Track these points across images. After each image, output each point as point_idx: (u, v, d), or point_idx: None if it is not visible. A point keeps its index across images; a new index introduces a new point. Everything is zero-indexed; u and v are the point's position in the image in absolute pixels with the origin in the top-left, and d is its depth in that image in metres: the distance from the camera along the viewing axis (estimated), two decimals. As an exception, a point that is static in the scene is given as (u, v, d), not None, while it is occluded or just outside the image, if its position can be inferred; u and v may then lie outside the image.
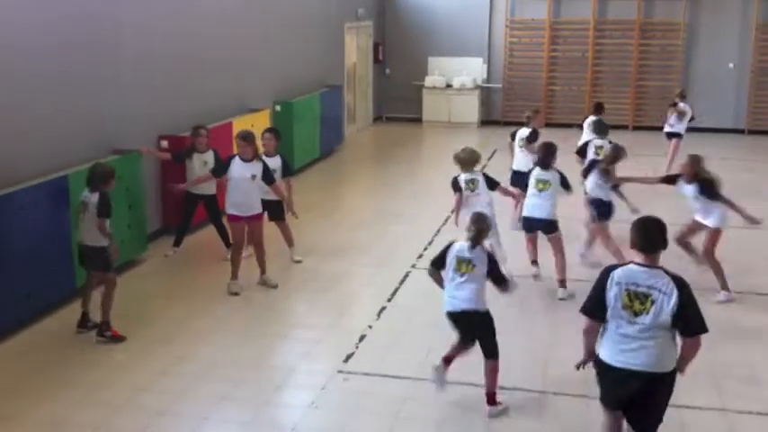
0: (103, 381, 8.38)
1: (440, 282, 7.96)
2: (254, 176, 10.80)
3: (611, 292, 5.95)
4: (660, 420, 6.15)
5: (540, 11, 24.26)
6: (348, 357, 8.98)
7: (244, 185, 10.77)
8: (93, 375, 8.50)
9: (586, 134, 15.48)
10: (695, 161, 10.69)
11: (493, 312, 7.92)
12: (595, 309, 6.08)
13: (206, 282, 11.36)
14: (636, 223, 6.11)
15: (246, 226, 10.98)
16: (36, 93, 10.23)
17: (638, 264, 5.96)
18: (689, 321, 5.85)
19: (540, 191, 10.93)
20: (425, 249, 12.59)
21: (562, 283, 10.73)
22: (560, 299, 10.59)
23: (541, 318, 10.28)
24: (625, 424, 6.33)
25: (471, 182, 10.95)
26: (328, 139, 19.71)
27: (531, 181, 11.10)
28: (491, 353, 7.75)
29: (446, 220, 14.04)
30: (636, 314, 5.87)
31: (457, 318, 7.81)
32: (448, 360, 8.04)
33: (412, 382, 8.40)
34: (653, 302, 5.83)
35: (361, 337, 9.52)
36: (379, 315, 10.27)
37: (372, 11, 24.49)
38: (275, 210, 11.89)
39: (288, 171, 12.02)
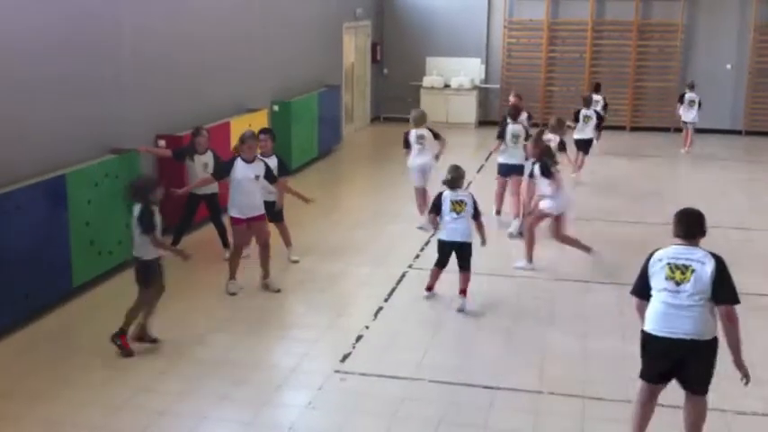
0: (104, 381, 8.39)
1: (435, 223, 10.68)
2: (257, 177, 10.80)
3: (654, 269, 6.70)
4: (709, 381, 6.79)
5: (538, 12, 24.32)
6: (345, 357, 9.00)
7: (248, 186, 10.76)
8: (91, 376, 8.50)
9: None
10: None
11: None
12: (642, 289, 6.83)
13: (204, 281, 11.39)
14: (677, 214, 6.89)
15: (249, 228, 10.96)
16: (34, 92, 10.25)
17: (678, 244, 6.73)
18: (722, 288, 6.51)
19: (515, 144, 13.84)
20: (422, 249, 12.63)
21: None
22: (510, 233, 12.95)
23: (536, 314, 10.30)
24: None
25: (420, 137, 13.73)
26: (326, 139, 19.73)
27: (509, 136, 13.99)
28: (468, 268, 10.44)
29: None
30: (678, 284, 6.56)
31: (451, 246, 10.41)
32: (430, 288, 10.73)
33: (409, 382, 8.41)
34: (693, 271, 6.53)
35: (358, 338, 9.53)
36: (375, 315, 10.27)
37: (371, 11, 24.53)
38: (273, 211, 11.92)
39: (285, 171, 12.02)
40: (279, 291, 11.05)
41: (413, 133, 13.87)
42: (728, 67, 23.51)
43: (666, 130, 23.68)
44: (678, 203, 7.83)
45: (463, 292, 10.34)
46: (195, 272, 11.70)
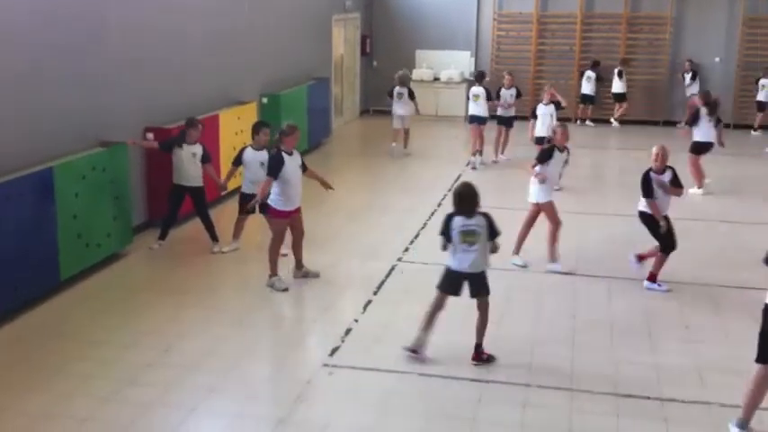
0: (91, 373, 8.37)
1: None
2: (299, 166, 10.90)
3: None
4: None
5: (527, 4, 24.37)
6: (334, 351, 8.99)
7: (295, 178, 10.76)
8: (80, 368, 8.48)
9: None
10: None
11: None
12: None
13: (192, 275, 11.38)
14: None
15: (289, 219, 10.93)
16: (21, 84, 10.20)
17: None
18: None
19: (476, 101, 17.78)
20: (411, 243, 12.64)
21: None
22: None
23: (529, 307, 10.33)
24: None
25: (400, 94, 18.50)
26: (316, 132, 19.69)
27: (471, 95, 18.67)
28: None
29: (432, 214, 14.16)
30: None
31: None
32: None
33: (398, 376, 8.42)
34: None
35: (347, 331, 9.52)
36: (365, 308, 10.28)
37: (360, 3, 24.56)
38: (266, 204, 11.85)
39: None
40: (318, 275, 11.18)
41: (396, 89, 19.50)
42: (717, 60, 23.56)
43: (656, 123, 23.76)
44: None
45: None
46: (181, 265, 11.78)
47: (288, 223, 10.89)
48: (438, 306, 8.77)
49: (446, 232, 8.58)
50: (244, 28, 16.56)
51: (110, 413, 7.61)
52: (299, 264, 11.21)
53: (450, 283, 8.70)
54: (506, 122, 18.92)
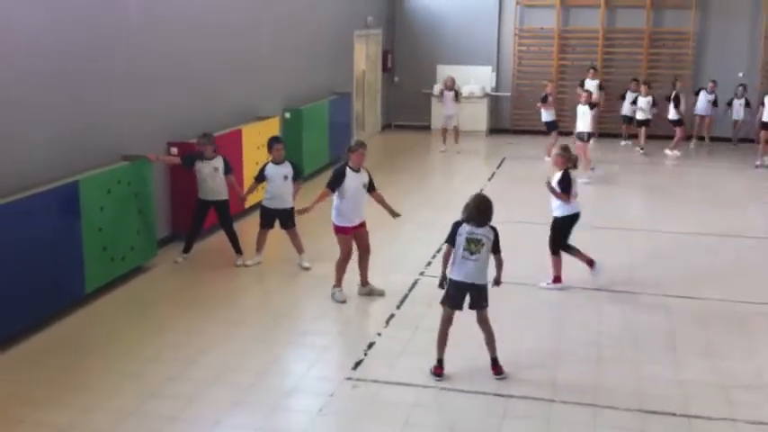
0: (115, 387, 8.39)
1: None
2: (364, 185, 10.91)
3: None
4: None
5: (548, 20, 24.32)
6: (357, 365, 9.00)
7: (357, 195, 10.81)
8: (104, 381, 8.51)
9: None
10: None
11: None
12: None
13: (216, 288, 11.42)
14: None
15: (353, 235, 10.98)
16: (46, 98, 10.29)
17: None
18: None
19: None
20: (433, 257, 12.59)
21: None
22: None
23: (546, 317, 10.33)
24: None
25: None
26: (337, 146, 19.60)
27: None
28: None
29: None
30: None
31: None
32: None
33: (421, 390, 8.41)
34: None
35: (370, 345, 9.53)
36: (387, 322, 10.28)
37: (382, 19, 24.57)
38: (286, 218, 12.12)
39: (298, 175, 12.30)
40: (383, 293, 11.19)
41: (444, 93, 21.80)
42: (740, 74, 23.27)
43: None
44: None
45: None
46: (206, 279, 11.82)
47: (350, 239, 10.91)
48: (446, 322, 8.79)
49: (452, 238, 8.68)
50: (267, 44, 16.65)
51: (133, 427, 7.63)
52: (363, 281, 11.21)
53: (452, 295, 8.74)
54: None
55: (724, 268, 12.57)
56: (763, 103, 21.05)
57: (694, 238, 14.12)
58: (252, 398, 8.18)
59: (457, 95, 21.96)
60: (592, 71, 23.01)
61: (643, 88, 22.02)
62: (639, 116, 22.18)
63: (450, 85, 21.88)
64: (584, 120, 18.69)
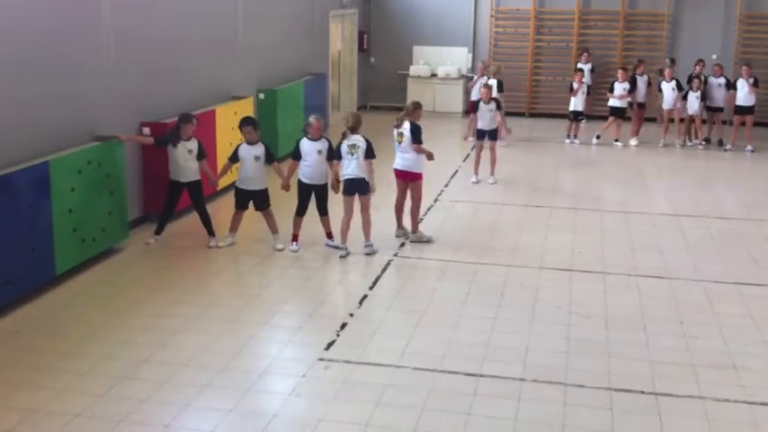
0: (85, 369, 8.38)
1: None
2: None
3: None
4: None
5: (525, 1, 24.32)
6: (329, 345, 9.02)
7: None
8: (74, 364, 8.49)
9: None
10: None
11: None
12: None
13: (188, 270, 11.44)
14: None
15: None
16: (16, 78, 10.23)
17: None
18: None
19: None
20: (402, 244, 12.64)
21: None
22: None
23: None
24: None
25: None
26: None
27: None
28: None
29: (428, 209, 14.33)
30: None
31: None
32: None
33: (393, 370, 8.46)
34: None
35: (343, 325, 9.55)
36: (360, 303, 10.32)
37: (358, -1, 24.49)
38: (259, 199, 12.22)
39: (271, 158, 12.32)
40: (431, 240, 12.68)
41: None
42: (714, 57, 23.13)
43: (653, 120, 23.06)
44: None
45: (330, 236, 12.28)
46: (178, 261, 11.84)
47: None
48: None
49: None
50: (241, 23, 16.56)
51: (104, 409, 7.61)
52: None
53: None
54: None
55: (695, 248, 12.73)
56: (735, 87, 20.78)
57: (668, 219, 14.28)
58: (223, 380, 8.18)
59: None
60: (585, 54, 23.14)
61: (620, 73, 21.35)
62: (615, 103, 21.21)
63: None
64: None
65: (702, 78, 21.07)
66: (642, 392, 8.03)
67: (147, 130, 12.78)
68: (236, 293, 10.69)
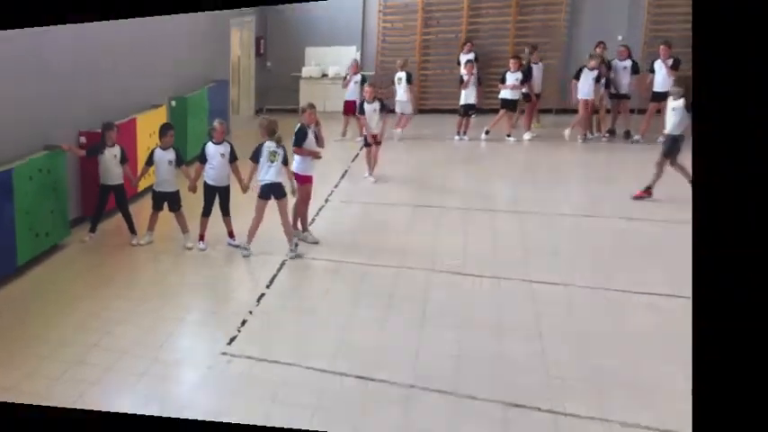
0: (45, 354, 9.29)
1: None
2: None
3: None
4: None
5: (414, -7, 23.95)
6: (231, 340, 9.55)
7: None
8: (36, 349, 9.45)
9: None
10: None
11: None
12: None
13: (116, 267, 12.55)
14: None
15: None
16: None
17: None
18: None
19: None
20: (297, 244, 12.69)
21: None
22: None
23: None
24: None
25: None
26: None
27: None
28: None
29: (320, 209, 14.82)
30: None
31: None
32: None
33: (287, 368, 8.77)
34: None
35: (243, 322, 10.02)
36: (258, 301, 10.74)
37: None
38: (172, 201, 13.41)
39: (180, 161, 13.50)
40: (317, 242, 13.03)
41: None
42: (620, 38, 21.37)
43: (549, 111, 22.59)
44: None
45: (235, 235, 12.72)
46: (109, 258, 12.92)
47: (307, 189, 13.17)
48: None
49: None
50: (154, 31, 16.95)
51: (61, 392, 8.40)
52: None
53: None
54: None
55: (595, 252, 12.19)
56: (652, 70, 18.82)
57: (565, 220, 13.85)
58: (157, 369, 8.92)
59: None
60: (468, 44, 22.14)
61: (512, 62, 20.05)
62: (506, 95, 20.15)
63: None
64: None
65: (606, 62, 19.33)
66: (539, 409, 7.74)
67: (83, 139, 14.09)
68: (158, 291, 11.49)
